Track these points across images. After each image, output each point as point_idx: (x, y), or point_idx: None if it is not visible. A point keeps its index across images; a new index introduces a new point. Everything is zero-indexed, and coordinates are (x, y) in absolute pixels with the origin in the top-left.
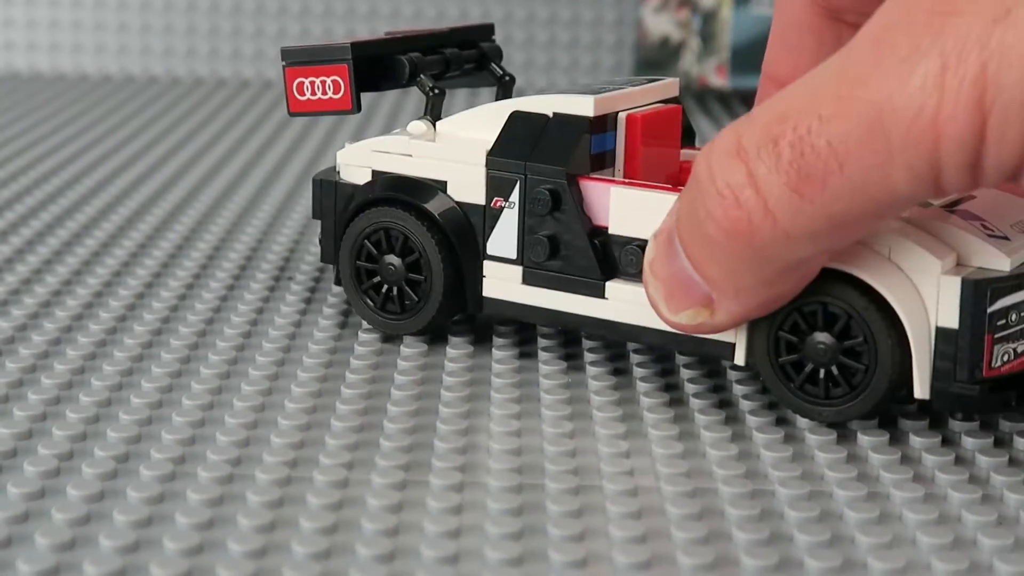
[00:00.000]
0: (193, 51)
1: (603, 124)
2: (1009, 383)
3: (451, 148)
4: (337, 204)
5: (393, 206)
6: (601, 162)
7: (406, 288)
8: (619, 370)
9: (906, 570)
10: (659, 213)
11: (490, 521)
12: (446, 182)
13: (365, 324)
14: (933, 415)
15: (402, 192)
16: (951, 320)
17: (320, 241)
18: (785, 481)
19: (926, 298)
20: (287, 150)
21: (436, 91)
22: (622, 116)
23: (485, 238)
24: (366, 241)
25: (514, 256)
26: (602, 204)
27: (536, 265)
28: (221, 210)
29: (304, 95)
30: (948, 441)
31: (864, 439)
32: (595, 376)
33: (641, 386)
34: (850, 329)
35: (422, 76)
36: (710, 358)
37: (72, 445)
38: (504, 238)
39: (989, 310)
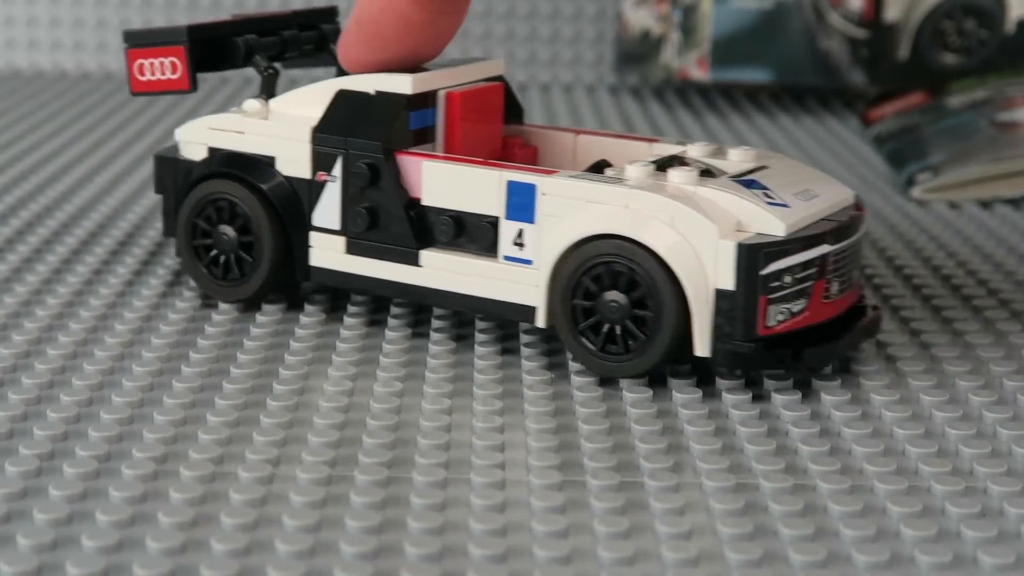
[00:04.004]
0: None
1: (423, 101)
2: (785, 341)
3: (280, 125)
4: (176, 180)
5: (226, 180)
6: (423, 137)
7: (242, 255)
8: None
9: (890, 563)
10: (468, 185)
11: (474, 517)
12: (275, 157)
13: (347, 316)
14: (915, 408)
15: (234, 167)
16: (728, 282)
17: (162, 216)
18: (768, 475)
19: (705, 261)
20: None
21: (270, 71)
22: (442, 94)
23: (311, 210)
24: (197, 218)
25: (337, 227)
26: (416, 177)
27: (357, 235)
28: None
29: (144, 76)
30: (931, 433)
31: (847, 432)
32: (577, 371)
33: (624, 382)
34: (636, 284)
35: (257, 57)
36: (513, 321)
37: (53, 445)
38: (328, 210)
39: (763, 272)
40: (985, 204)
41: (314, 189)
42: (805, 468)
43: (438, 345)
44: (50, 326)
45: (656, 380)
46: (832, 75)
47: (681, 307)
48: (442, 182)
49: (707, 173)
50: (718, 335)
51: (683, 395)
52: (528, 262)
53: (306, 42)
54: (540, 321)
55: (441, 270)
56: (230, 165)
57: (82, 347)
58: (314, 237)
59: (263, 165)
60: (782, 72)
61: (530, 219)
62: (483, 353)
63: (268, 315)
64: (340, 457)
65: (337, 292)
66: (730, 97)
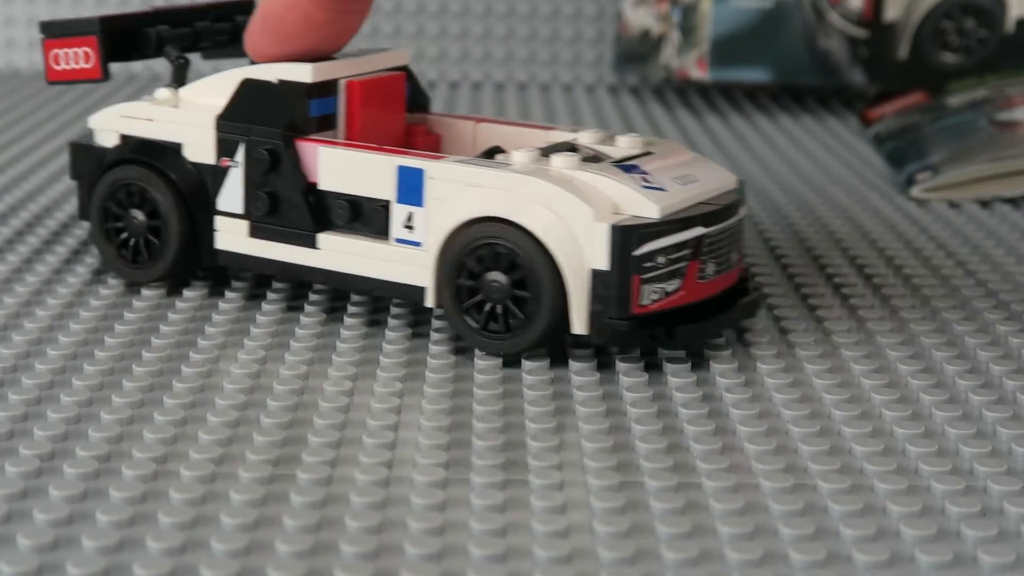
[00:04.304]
0: None
1: (325, 89)
2: (660, 319)
3: (187, 113)
4: (90, 166)
5: (135, 166)
6: (326, 124)
7: (151, 239)
8: (601, 364)
9: (890, 563)
10: (362, 170)
11: (475, 517)
12: (182, 144)
13: (348, 316)
14: (915, 407)
15: (143, 154)
16: (602, 262)
17: (78, 201)
18: (769, 474)
19: (581, 242)
20: None
21: (181, 60)
22: (343, 82)
23: (215, 195)
24: (109, 202)
25: (241, 211)
26: (314, 162)
27: (259, 219)
28: None
29: (60, 65)
30: (930, 432)
31: (847, 431)
32: (577, 371)
33: (624, 381)
34: (516, 265)
35: (167, 47)
36: (405, 300)
37: (53, 445)
38: (232, 195)
39: (636, 253)
40: (984, 203)
41: (218, 174)
42: (805, 468)
43: (438, 345)
44: (50, 326)
45: (656, 380)
46: (832, 75)
47: (559, 287)
48: (337, 167)
49: (595, 159)
50: (594, 313)
51: (683, 395)
52: (418, 244)
53: (220, 33)
54: (429, 301)
55: (338, 252)
56: (139, 152)
57: (82, 347)
58: (219, 221)
59: (170, 152)
60: (782, 72)
61: (419, 202)
62: (483, 353)
63: (268, 315)
64: (340, 457)
65: (337, 293)
66: (730, 97)
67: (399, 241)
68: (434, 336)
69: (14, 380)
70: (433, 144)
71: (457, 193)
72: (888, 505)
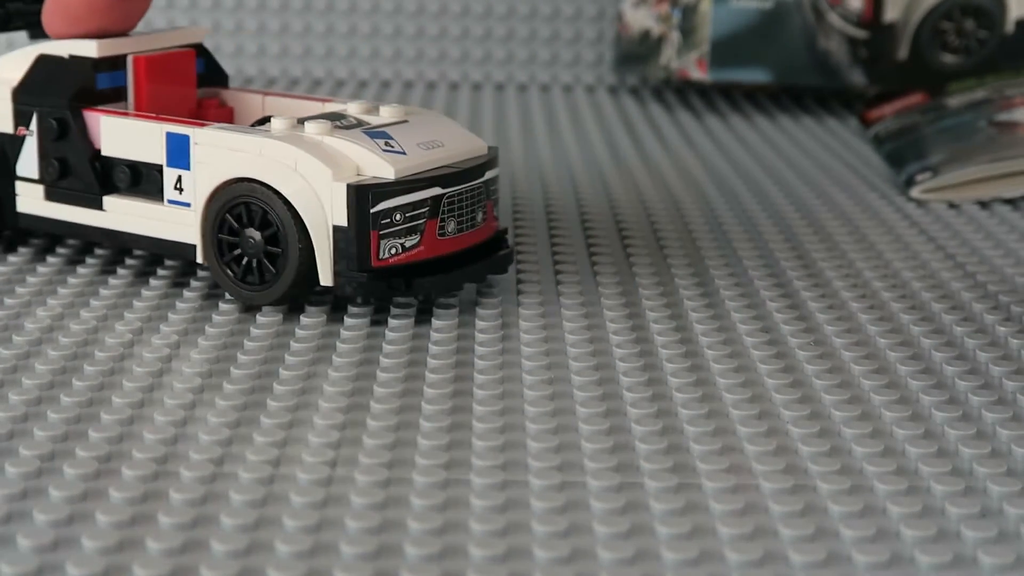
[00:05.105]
0: None
1: (113, 64)
2: (400, 272)
3: None
4: None
5: None
6: (116, 96)
7: None
8: (600, 365)
9: (890, 563)
10: (138, 137)
11: (474, 518)
12: None
13: (348, 316)
14: (916, 407)
15: None
16: (342, 219)
17: None
18: (768, 475)
19: (324, 201)
20: None
21: None
22: (130, 58)
23: (15, 162)
24: None
25: (37, 176)
26: (97, 131)
27: (52, 183)
28: None
29: None
30: (931, 433)
31: (847, 432)
32: (578, 371)
33: (624, 380)
34: (267, 222)
35: None
36: (179, 257)
37: (54, 446)
38: (28, 161)
39: (372, 210)
40: (984, 204)
41: (16, 143)
42: (805, 468)
43: (438, 345)
44: (51, 327)
45: (656, 380)
46: (831, 75)
47: (306, 242)
48: (117, 135)
49: (355, 126)
50: (337, 266)
51: (683, 395)
52: (187, 204)
53: (32, 15)
54: (199, 257)
55: (121, 214)
56: None
57: (82, 348)
58: (19, 186)
59: None
60: (781, 72)
61: (186, 166)
62: (483, 353)
63: (269, 315)
64: (340, 457)
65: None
66: (730, 97)
67: (171, 202)
68: (434, 336)
69: (14, 380)
70: (225, 116)
71: (218, 157)
72: (888, 506)
